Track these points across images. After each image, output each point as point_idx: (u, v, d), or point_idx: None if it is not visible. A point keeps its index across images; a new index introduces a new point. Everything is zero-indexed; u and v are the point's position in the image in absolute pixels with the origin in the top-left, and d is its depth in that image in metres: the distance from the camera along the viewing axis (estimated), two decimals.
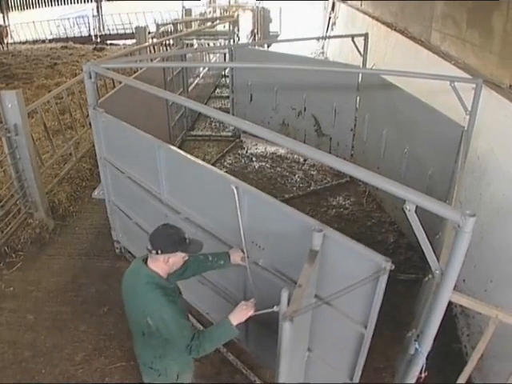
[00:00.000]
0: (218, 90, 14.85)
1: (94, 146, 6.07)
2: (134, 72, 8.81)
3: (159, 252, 3.20)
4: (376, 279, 2.97)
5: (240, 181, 3.50)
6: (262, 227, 3.72)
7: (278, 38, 23.45)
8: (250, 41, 19.38)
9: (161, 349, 3.43)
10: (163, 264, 3.27)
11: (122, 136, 5.33)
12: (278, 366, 2.78)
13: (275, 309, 2.81)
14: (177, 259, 3.29)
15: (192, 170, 4.32)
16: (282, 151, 9.67)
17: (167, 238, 3.25)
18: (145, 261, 3.35)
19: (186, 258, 3.38)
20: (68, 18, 35.37)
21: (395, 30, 10.59)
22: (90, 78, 5.34)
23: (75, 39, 30.45)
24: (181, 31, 13.36)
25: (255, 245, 3.85)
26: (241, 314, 3.24)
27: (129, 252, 6.52)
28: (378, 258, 2.91)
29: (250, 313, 3.25)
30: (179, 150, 4.55)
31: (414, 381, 3.10)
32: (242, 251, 3.85)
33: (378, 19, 12.63)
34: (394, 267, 2.84)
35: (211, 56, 15.52)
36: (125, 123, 5.06)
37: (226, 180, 3.53)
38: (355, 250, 3.02)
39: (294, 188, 8.20)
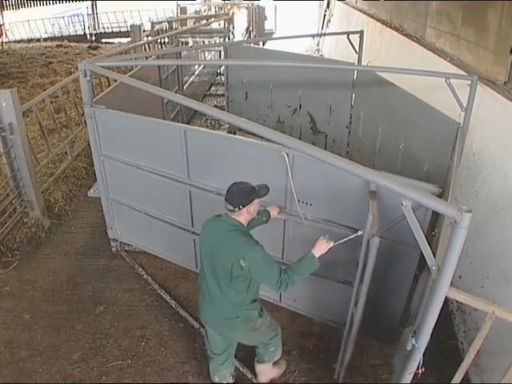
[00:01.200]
0: (213, 88, 14.83)
1: (89, 144, 6.07)
2: (130, 70, 8.80)
3: (241, 207, 3.68)
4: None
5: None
6: (309, 187, 4.34)
7: (273, 36, 23.44)
8: (245, 38, 19.35)
9: (243, 294, 3.83)
10: (246, 215, 3.76)
11: (129, 128, 5.50)
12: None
13: (359, 233, 3.77)
14: (255, 206, 3.79)
15: (232, 146, 4.85)
16: None
17: (242, 193, 3.70)
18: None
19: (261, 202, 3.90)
20: (63, 17, 35.26)
21: (390, 27, 10.61)
22: (86, 76, 5.34)
23: (70, 38, 30.33)
24: (176, 29, 13.34)
25: (302, 202, 4.43)
26: (322, 247, 3.75)
27: (126, 251, 6.53)
28: (426, 185, 3.87)
29: (330, 245, 3.77)
30: (209, 130, 5.29)
31: (411, 377, 3.11)
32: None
33: (373, 16, 12.64)
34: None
35: (206, 54, 15.51)
36: (133, 114, 5.34)
37: (274, 149, 3.91)
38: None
39: None
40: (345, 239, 3.86)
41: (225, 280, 3.74)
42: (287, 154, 4.25)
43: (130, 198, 6.09)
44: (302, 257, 3.75)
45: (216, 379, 4.43)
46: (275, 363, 4.62)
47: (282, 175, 4.46)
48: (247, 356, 4.75)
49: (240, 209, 3.67)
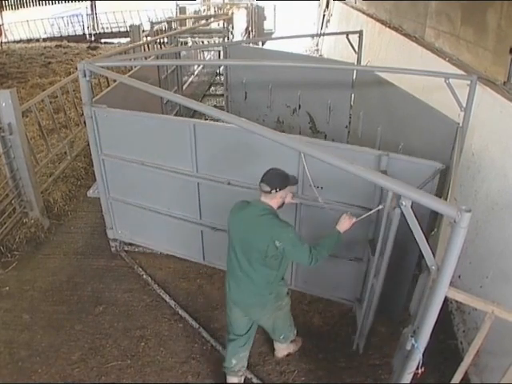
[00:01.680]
0: (212, 88, 14.82)
1: (88, 144, 6.07)
2: (129, 70, 8.80)
3: (277, 190, 3.93)
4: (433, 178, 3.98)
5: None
6: (319, 171, 4.47)
7: (273, 36, 23.46)
8: (245, 38, 19.36)
9: (275, 271, 4.10)
10: (278, 199, 4.02)
11: (133, 126, 5.58)
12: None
13: (380, 207, 4.13)
14: (286, 192, 4.04)
15: (242, 137, 4.92)
16: None
17: (279, 177, 3.98)
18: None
19: (293, 190, 4.29)
20: (62, 17, 35.29)
21: (389, 27, 10.61)
22: (85, 76, 5.34)
23: (69, 38, 30.36)
24: (175, 29, 13.35)
25: (315, 187, 4.60)
26: (346, 223, 4.13)
27: (125, 251, 6.53)
28: (433, 163, 4.38)
29: (353, 220, 4.14)
30: (218, 123, 5.22)
31: (410, 377, 3.11)
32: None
33: (372, 16, 12.65)
34: None
35: (205, 54, 15.51)
36: (137, 112, 5.45)
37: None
38: (414, 161, 4.48)
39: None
40: (366, 214, 4.19)
41: (259, 260, 3.98)
42: (304, 155, 4.44)
43: (133, 195, 6.14)
44: (329, 233, 4.10)
45: (233, 362, 4.55)
46: (292, 341, 4.96)
47: (293, 161, 4.77)
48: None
49: (276, 191, 3.92)
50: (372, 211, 4.17)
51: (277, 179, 3.95)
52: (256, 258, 3.97)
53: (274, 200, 3.99)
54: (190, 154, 5.37)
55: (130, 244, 6.68)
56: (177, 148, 5.47)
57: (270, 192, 3.92)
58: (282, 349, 4.95)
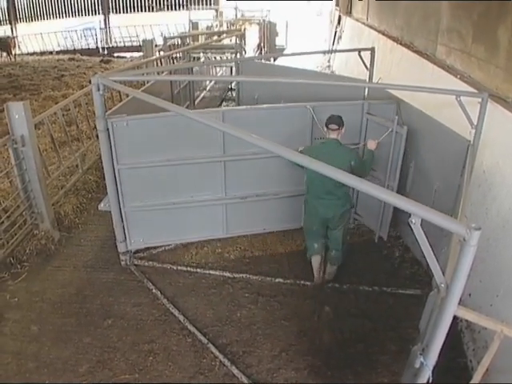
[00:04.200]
0: (224, 103, 14.85)
1: (100, 158, 6.11)
2: (142, 85, 8.86)
3: (341, 126, 5.68)
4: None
5: None
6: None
7: (285, 52, 23.55)
8: (257, 54, 19.45)
9: (347, 186, 5.46)
10: (342, 134, 5.76)
11: (157, 128, 6.09)
12: None
13: (390, 130, 6.32)
14: (344, 130, 5.77)
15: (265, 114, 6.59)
16: None
17: (340, 118, 5.69)
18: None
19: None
20: (75, 30, 35.58)
21: (401, 43, 10.63)
22: (99, 90, 5.38)
23: (82, 51, 30.62)
24: (188, 45, 13.44)
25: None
26: (373, 144, 5.97)
27: (135, 265, 6.55)
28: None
29: (376, 141, 6.01)
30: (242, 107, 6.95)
31: None
32: None
33: (383, 33, 12.67)
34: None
35: (218, 69, 15.59)
36: (165, 113, 5.61)
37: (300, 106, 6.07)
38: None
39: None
40: (383, 135, 6.28)
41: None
42: (312, 108, 6.47)
43: (152, 198, 6.46)
44: (365, 153, 6.00)
45: (315, 245, 6.11)
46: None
47: (306, 126, 6.58)
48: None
49: (340, 128, 5.66)
50: (385, 134, 6.29)
51: (340, 120, 5.66)
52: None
53: (339, 135, 5.70)
54: (220, 138, 6.24)
55: (141, 258, 6.71)
56: (206, 137, 6.18)
57: (338, 129, 5.64)
58: (333, 272, 6.24)
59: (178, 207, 6.61)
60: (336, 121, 5.62)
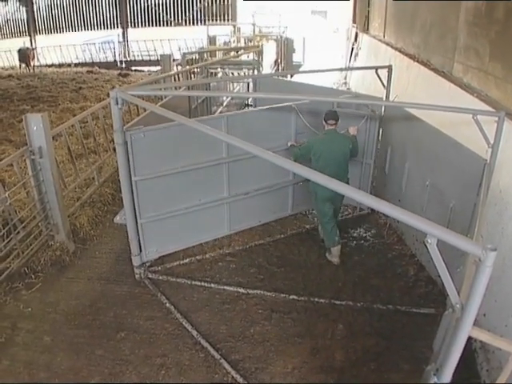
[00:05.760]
0: None
1: (116, 170, 6.15)
2: (159, 99, 8.92)
3: (338, 120, 6.77)
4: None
5: None
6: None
7: (302, 68, 23.61)
8: (274, 70, 19.51)
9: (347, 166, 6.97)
10: (338, 125, 6.83)
11: (173, 136, 6.36)
12: None
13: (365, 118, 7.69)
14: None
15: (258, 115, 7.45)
16: None
17: (336, 113, 6.80)
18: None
19: None
20: (94, 43, 35.92)
21: (417, 61, 10.63)
22: (117, 104, 5.43)
23: (100, 64, 30.83)
24: (206, 60, 13.53)
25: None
26: (353, 130, 7.08)
27: (149, 278, 6.55)
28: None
29: (356, 127, 7.17)
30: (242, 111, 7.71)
31: None
32: None
33: (400, 50, 12.68)
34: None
35: (235, 85, 15.67)
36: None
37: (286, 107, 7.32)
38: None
39: (315, 219, 8.13)
40: (361, 122, 7.55)
41: (344, 161, 6.84)
42: (296, 106, 7.32)
43: (166, 206, 6.68)
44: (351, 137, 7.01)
45: (336, 238, 6.98)
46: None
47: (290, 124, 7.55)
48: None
49: (337, 121, 6.76)
50: (363, 121, 7.59)
51: (336, 115, 6.77)
52: (342, 161, 6.80)
53: (336, 127, 6.81)
54: (224, 142, 6.61)
55: (155, 272, 6.73)
56: (214, 141, 6.42)
57: (335, 123, 6.75)
58: (335, 255, 7.02)
59: (188, 212, 6.92)
60: (334, 116, 6.74)
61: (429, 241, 2.56)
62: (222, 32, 26.41)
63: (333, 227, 6.99)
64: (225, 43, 23.01)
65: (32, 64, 26.55)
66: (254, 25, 26.83)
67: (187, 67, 12.22)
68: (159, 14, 36.87)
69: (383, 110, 7.61)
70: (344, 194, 6.40)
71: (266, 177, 7.52)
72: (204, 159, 6.72)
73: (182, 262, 6.98)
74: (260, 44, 18.06)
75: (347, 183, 6.41)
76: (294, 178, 7.78)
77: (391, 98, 8.54)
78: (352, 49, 21.67)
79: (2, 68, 30.15)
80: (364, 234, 7.77)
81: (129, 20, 37.51)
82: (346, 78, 21.15)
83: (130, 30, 37.46)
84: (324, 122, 6.81)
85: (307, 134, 7.47)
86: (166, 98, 8.52)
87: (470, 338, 2.66)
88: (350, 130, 7.02)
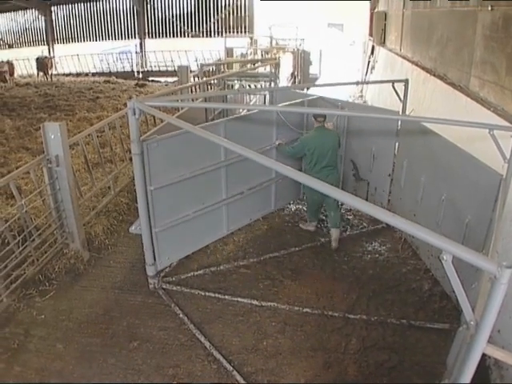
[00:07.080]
0: None
1: (132, 180, 6.18)
2: (176, 110, 8.98)
3: (325, 118, 7.46)
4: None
5: None
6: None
7: (318, 81, 23.68)
8: (290, 83, 19.56)
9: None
10: (326, 123, 7.62)
11: (183, 144, 6.42)
12: None
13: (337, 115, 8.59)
14: None
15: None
16: None
17: (322, 115, 7.39)
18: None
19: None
20: (111, 53, 36.32)
21: (434, 75, 10.62)
22: (134, 114, 5.47)
23: (118, 74, 31.21)
24: (223, 72, 13.59)
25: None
26: (330, 125, 7.88)
27: (163, 289, 6.56)
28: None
29: (331, 123, 8.05)
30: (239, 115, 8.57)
31: None
32: None
33: (417, 64, 12.68)
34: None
35: (251, 97, 15.73)
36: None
37: (269, 110, 7.62)
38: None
39: (329, 232, 8.06)
40: (334, 119, 8.33)
41: (334, 154, 7.54)
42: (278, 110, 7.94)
43: (178, 213, 6.77)
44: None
45: (338, 222, 7.75)
46: None
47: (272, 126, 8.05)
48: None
49: (325, 119, 7.44)
50: (335, 118, 8.29)
51: (323, 115, 7.37)
52: (333, 154, 7.48)
53: (325, 124, 7.54)
54: (221, 146, 6.82)
55: (169, 282, 6.74)
56: (212, 147, 6.59)
57: (324, 120, 7.41)
58: (338, 236, 7.74)
59: (194, 216, 7.03)
60: (322, 115, 7.41)
61: (444, 258, 2.55)
62: (238, 44, 26.60)
63: (316, 210, 8.16)
64: (242, 55, 23.13)
65: (50, 73, 26.92)
66: (270, 37, 26.99)
67: (204, 79, 12.30)
68: (176, 25, 37.27)
69: (399, 123, 7.60)
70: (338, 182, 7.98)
71: (255, 176, 7.92)
72: (207, 163, 6.94)
73: (196, 273, 6.98)
74: (277, 56, 18.14)
75: (337, 172, 7.90)
76: (276, 175, 8.26)
77: (408, 112, 8.53)
78: (368, 62, 21.72)
79: (20, 76, 30.55)
80: (379, 248, 7.73)
81: (146, 30, 37.94)
82: (361, 91, 21.17)
83: (147, 40, 37.88)
84: (314, 119, 7.49)
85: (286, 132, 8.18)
86: (182, 109, 8.56)
87: (483, 355, 2.65)
88: (328, 125, 7.77)
